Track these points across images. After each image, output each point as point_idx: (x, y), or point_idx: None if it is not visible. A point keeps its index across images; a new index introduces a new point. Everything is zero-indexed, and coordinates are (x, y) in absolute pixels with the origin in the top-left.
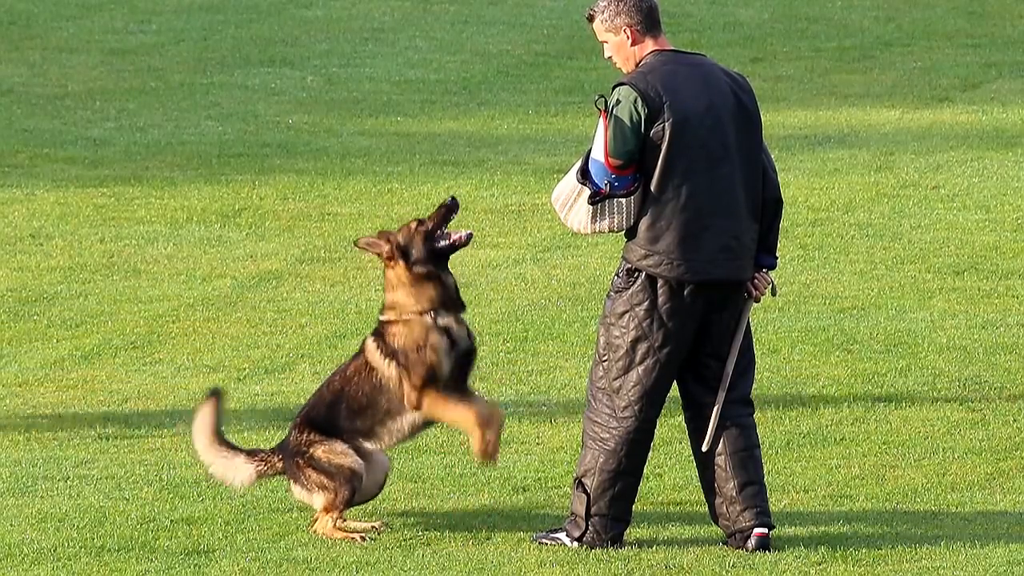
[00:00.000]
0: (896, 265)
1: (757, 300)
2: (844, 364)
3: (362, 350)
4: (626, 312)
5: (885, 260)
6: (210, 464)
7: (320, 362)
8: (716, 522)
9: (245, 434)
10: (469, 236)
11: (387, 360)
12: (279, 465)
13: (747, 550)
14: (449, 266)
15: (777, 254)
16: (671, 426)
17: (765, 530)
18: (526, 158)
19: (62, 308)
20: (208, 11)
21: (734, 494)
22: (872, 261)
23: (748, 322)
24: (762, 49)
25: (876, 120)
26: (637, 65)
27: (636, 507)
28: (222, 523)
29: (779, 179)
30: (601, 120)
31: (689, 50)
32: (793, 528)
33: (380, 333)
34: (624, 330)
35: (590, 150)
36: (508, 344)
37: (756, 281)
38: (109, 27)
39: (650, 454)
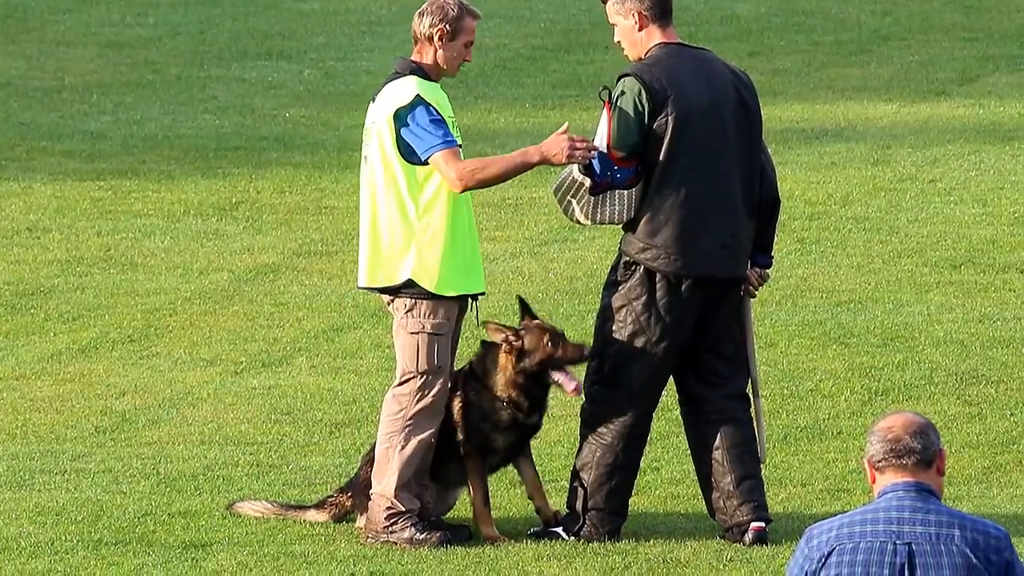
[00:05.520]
0: (893, 259)
1: (752, 296)
2: (841, 358)
3: (453, 386)
4: (624, 306)
5: (882, 254)
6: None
7: (317, 355)
8: (713, 516)
9: (242, 427)
10: (575, 393)
11: (457, 402)
12: (349, 503)
13: (744, 544)
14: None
15: (773, 253)
16: (668, 420)
17: (762, 524)
18: None
19: (59, 301)
20: (205, 4)
21: (731, 488)
22: (869, 255)
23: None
24: (759, 43)
25: (873, 114)
26: (644, 55)
27: (634, 501)
28: (219, 517)
29: (776, 173)
30: (604, 111)
31: (695, 44)
32: (790, 522)
33: (466, 377)
34: (621, 324)
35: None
36: None
37: (750, 278)
38: (106, 20)
39: (647, 448)
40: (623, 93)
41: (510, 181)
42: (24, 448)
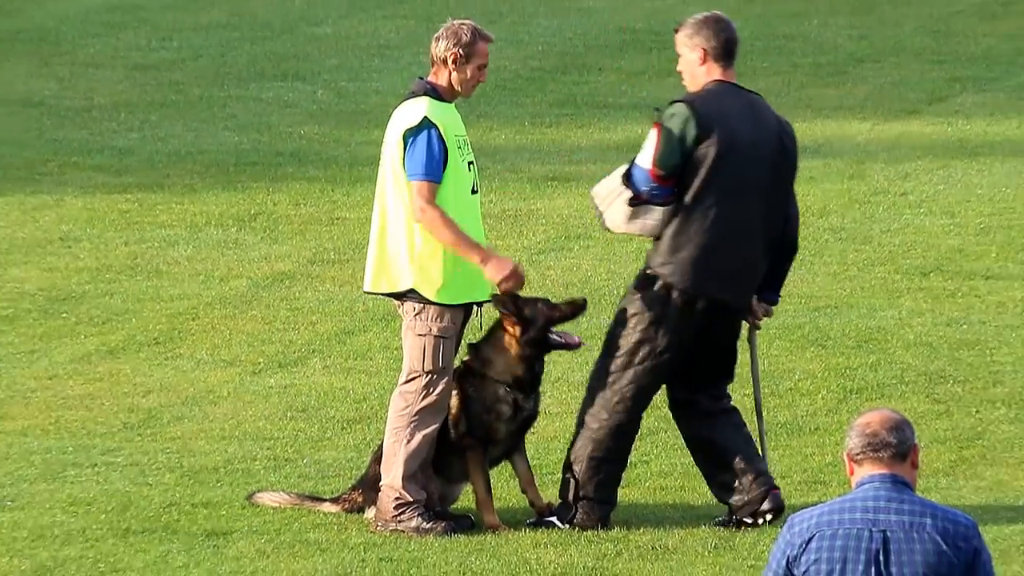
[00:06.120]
0: (867, 267)
1: (757, 328)
2: (818, 359)
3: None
4: (637, 314)
5: (857, 262)
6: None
7: (330, 357)
8: (725, 500)
9: (260, 423)
10: (579, 345)
11: (456, 400)
12: (360, 499)
13: (763, 512)
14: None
15: (780, 294)
16: (657, 417)
17: (778, 490)
18: (522, 166)
19: (89, 306)
20: (225, 29)
21: (742, 465)
22: (845, 263)
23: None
24: (742, 64)
25: (849, 131)
26: (701, 88)
27: (625, 492)
28: (239, 507)
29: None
30: (653, 130)
31: (748, 88)
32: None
33: (463, 375)
34: (631, 330)
35: (636, 156)
36: None
37: (756, 311)
38: (133, 44)
39: (638, 443)
40: (673, 116)
41: (512, 193)
42: (57, 443)
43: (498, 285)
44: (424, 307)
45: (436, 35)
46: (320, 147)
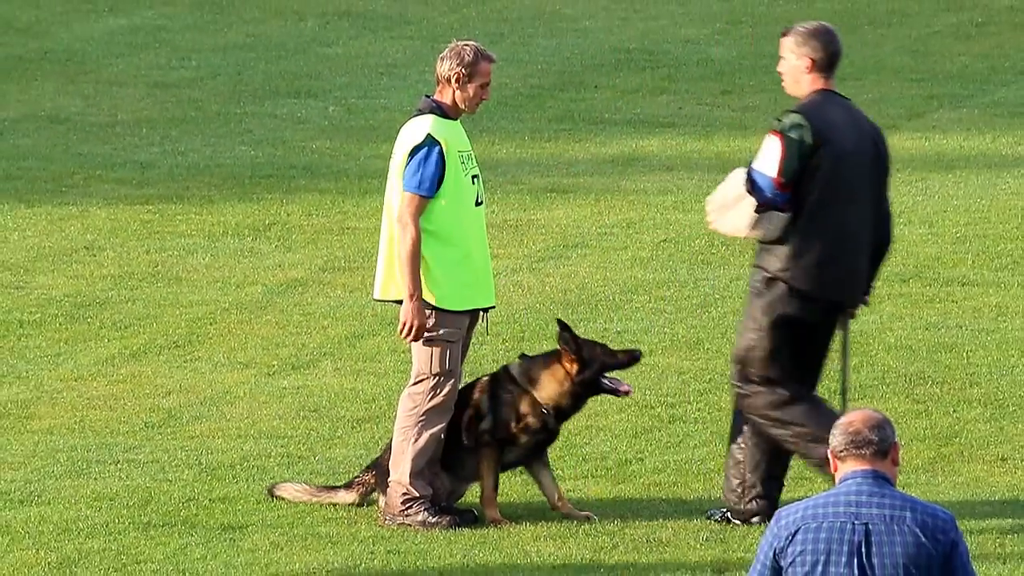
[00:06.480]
0: None
1: (852, 318)
2: None
3: (473, 386)
4: (768, 316)
5: None
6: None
7: (341, 359)
8: (725, 495)
9: (275, 423)
10: (628, 392)
11: (488, 400)
12: (372, 481)
13: (751, 521)
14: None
15: (873, 285)
16: (651, 416)
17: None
18: (522, 179)
19: (113, 312)
20: (241, 49)
21: (754, 479)
22: None
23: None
24: (731, 83)
25: None
26: (803, 96)
27: (620, 487)
28: (254, 502)
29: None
30: (772, 138)
31: (842, 95)
32: None
33: (499, 379)
34: (770, 332)
35: (751, 163)
36: (506, 343)
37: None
38: (154, 63)
39: (632, 440)
40: (794, 126)
41: (512, 204)
42: (82, 441)
43: (401, 324)
44: (431, 313)
45: (441, 55)
46: (331, 161)
